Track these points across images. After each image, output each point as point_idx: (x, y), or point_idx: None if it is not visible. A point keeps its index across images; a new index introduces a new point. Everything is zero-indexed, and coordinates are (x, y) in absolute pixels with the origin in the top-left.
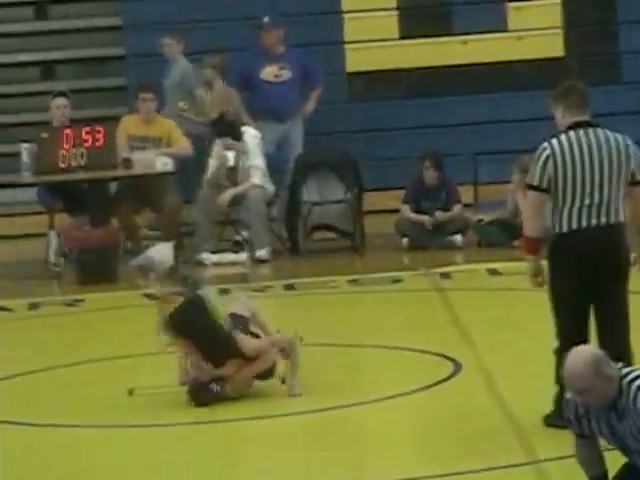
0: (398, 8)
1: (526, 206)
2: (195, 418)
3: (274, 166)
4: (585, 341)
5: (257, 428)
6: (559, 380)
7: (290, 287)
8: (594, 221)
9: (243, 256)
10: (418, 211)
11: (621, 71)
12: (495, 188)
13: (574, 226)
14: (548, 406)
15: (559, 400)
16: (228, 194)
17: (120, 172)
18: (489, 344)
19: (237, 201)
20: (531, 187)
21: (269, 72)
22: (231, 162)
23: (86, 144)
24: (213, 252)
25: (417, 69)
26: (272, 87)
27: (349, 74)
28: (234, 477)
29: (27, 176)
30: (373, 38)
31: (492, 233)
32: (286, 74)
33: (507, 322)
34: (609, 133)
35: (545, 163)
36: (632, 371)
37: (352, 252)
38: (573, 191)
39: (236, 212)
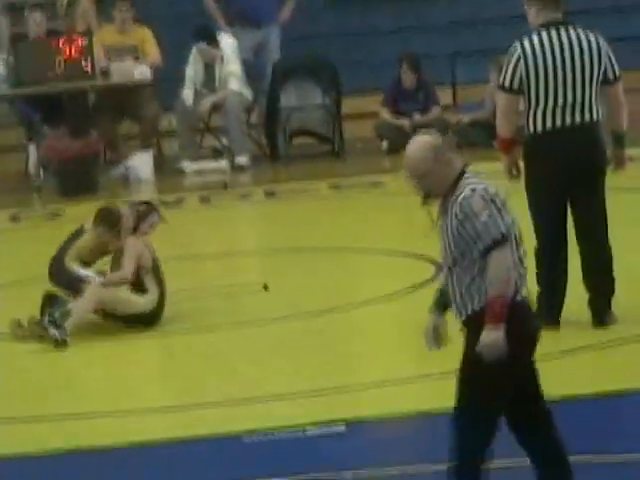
0: None
1: (498, 107)
2: (179, 327)
3: (252, 72)
4: (564, 240)
5: (244, 336)
6: (539, 280)
7: (271, 193)
8: (568, 120)
9: (223, 163)
10: (397, 114)
11: None
12: (473, 89)
13: (548, 126)
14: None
15: (539, 300)
16: (207, 101)
17: (98, 82)
18: None
19: (216, 108)
20: (502, 88)
21: None
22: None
23: (64, 55)
24: (193, 160)
25: None
26: None
27: None
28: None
29: (4, 88)
30: None
31: (472, 134)
32: None
33: None
34: (581, 32)
35: (516, 64)
36: (474, 178)
37: (332, 157)
38: (545, 91)
39: (215, 119)
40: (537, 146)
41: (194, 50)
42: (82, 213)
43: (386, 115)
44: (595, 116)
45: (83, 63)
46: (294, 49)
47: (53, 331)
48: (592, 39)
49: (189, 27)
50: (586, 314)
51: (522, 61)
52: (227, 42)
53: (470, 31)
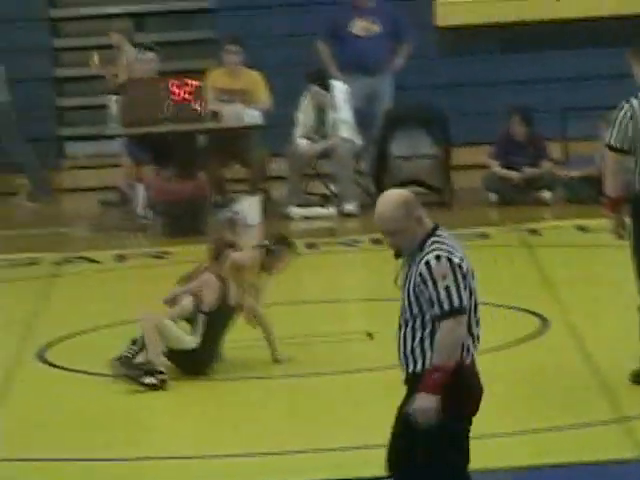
0: None
1: (606, 166)
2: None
3: (363, 120)
4: None
5: (349, 383)
6: None
7: (378, 241)
8: None
9: (331, 210)
10: (507, 167)
11: None
12: (584, 144)
13: None
14: (635, 363)
15: None
16: (317, 147)
17: (208, 125)
18: (577, 300)
19: (326, 155)
20: (610, 147)
21: (359, 26)
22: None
23: (175, 97)
24: (301, 206)
25: (507, 24)
26: (362, 41)
27: (439, 28)
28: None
29: (115, 128)
30: None
31: (581, 189)
32: (376, 28)
33: (595, 278)
34: None
35: (625, 124)
36: (443, 239)
37: (440, 207)
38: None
39: (324, 166)
40: None
41: (307, 94)
42: (188, 255)
43: (495, 167)
44: None
45: (193, 105)
46: (405, 98)
47: (149, 379)
48: None
49: (300, 73)
50: None
51: (631, 120)
52: (339, 88)
53: (582, 86)
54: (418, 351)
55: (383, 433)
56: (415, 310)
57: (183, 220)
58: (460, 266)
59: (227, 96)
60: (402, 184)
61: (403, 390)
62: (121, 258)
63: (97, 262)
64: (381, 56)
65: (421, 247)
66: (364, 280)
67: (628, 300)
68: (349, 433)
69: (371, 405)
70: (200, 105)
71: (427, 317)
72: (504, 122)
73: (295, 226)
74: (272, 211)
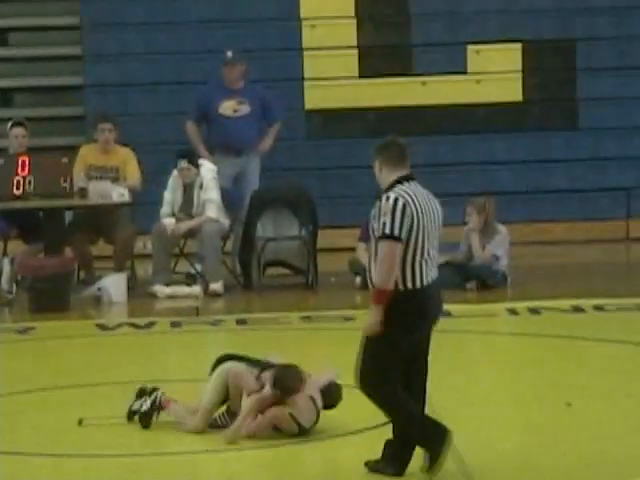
0: (359, 47)
1: (387, 258)
2: (145, 449)
3: (230, 200)
4: None
5: (213, 462)
6: None
7: (242, 322)
8: (433, 276)
9: (196, 289)
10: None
11: (578, 118)
12: (448, 230)
13: (423, 282)
14: (492, 446)
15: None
16: (183, 226)
17: (76, 201)
18: (437, 385)
19: (192, 234)
20: (390, 237)
21: (228, 106)
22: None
23: (43, 172)
24: (167, 284)
25: (376, 108)
26: (230, 121)
27: (307, 111)
28: None
29: None
30: (332, 76)
31: (445, 275)
32: (245, 109)
33: (457, 364)
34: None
35: (403, 212)
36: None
37: (305, 289)
38: (422, 243)
39: (191, 245)
40: (409, 302)
41: (174, 173)
42: (52, 331)
43: (362, 251)
44: None
45: (62, 181)
46: (273, 180)
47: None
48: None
49: (170, 152)
50: None
51: (409, 209)
52: (207, 168)
53: (448, 172)
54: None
55: None
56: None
57: (48, 295)
58: (404, 205)
59: (98, 173)
60: (267, 265)
61: None
62: None
63: None
64: (249, 136)
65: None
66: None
67: (488, 385)
68: None
69: None
70: (68, 181)
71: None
72: (370, 206)
73: (160, 304)
74: (138, 289)
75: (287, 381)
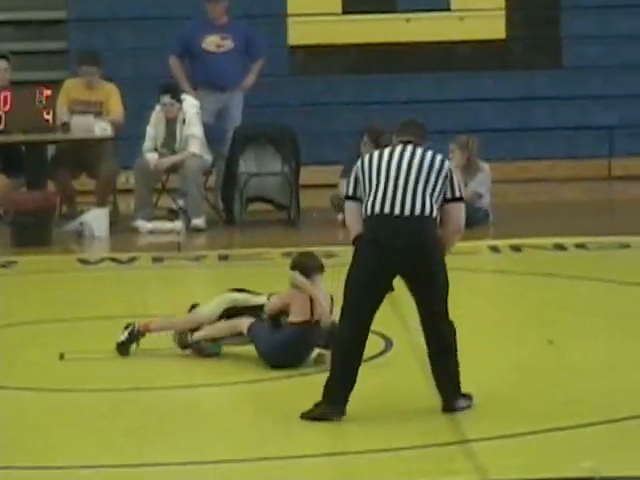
0: None
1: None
2: (127, 383)
3: (212, 136)
4: None
5: (193, 397)
6: None
7: (224, 257)
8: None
9: (179, 224)
10: None
11: (562, 56)
12: None
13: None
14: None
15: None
16: (166, 161)
17: (58, 136)
18: (418, 319)
19: (174, 169)
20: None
21: (211, 42)
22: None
23: (25, 105)
24: (149, 219)
25: (359, 45)
26: (213, 57)
27: (291, 47)
28: (166, 446)
29: None
30: (316, 12)
31: None
32: (228, 45)
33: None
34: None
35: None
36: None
37: (287, 225)
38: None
39: (173, 180)
40: None
41: (157, 108)
42: (34, 265)
43: (344, 187)
44: None
45: (45, 115)
46: (256, 116)
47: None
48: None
49: (153, 88)
50: None
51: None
52: (190, 104)
53: (431, 109)
54: None
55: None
56: None
57: (30, 230)
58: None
59: (82, 107)
60: (250, 200)
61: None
62: None
63: None
64: (232, 72)
65: None
66: (207, 295)
67: (471, 319)
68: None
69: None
70: (51, 115)
71: None
72: (353, 142)
73: (142, 239)
74: (120, 224)
75: (307, 260)
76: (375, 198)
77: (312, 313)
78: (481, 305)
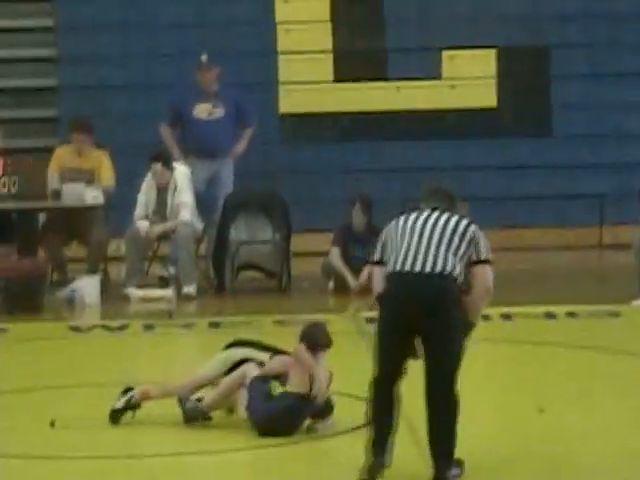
0: (333, 51)
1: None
2: (118, 451)
3: (203, 204)
4: None
5: (182, 465)
6: None
7: (215, 325)
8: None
9: (169, 292)
10: (346, 255)
11: (552, 124)
12: None
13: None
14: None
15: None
16: (157, 229)
17: (49, 203)
18: (411, 389)
19: (166, 237)
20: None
21: (202, 109)
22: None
23: (17, 174)
24: (140, 287)
25: (350, 113)
26: (204, 124)
27: (282, 115)
28: None
29: None
30: (307, 80)
31: None
32: (219, 112)
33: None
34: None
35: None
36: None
37: (278, 293)
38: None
39: (164, 248)
40: None
41: (148, 176)
42: (26, 332)
43: (335, 256)
44: None
45: (35, 183)
46: (247, 183)
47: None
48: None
49: (144, 155)
50: None
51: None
52: (181, 171)
53: (423, 177)
54: None
55: None
56: None
57: (21, 297)
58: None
59: (73, 175)
60: (241, 268)
61: None
62: None
63: None
64: (223, 140)
65: None
66: (198, 362)
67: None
68: None
69: None
70: (41, 183)
71: None
72: (343, 210)
73: (133, 307)
74: (111, 291)
75: (316, 334)
76: (397, 256)
77: (310, 388)
78: (469, 373)
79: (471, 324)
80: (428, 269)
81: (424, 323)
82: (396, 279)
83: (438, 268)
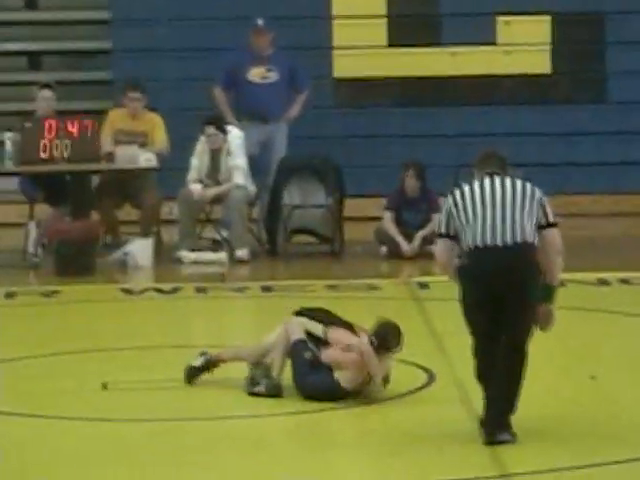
0: (387, 16)
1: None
2: (170, 414)
3: (257, 167)
4: None
5: (232, 428)
6: None
7: (267, 289)
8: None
9: (222, 255)
10: (399, 220)
11: (607, 91)
12: None
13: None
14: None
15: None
16: (210, 192)
17: (103, 165)
18: (462, 354)
19: (218, 200)
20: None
21: (256, 73)
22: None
23: (71, 136)
24: (192, 250)
25: (404, 78)
26: (258, 88)
27: (336, 79)
28: (208, 477)
29: (9, 165)
30: (361, 45)
31: None
32: (273, 76)
33: None
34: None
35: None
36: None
37: (331, 257)
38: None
39: (217, 211)
40: None
41: (202, 139)
42: (78, 294)
43: (388, 221)
44: None
45: (89, 145)
46: (300, 148)
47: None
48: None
49: (197, 119)
50: None
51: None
52: (235, 135)
53: (476, 143)
54: None
55: None
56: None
57: (74, 260)
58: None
59: (126, 137)
60: (293, 232)
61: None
62: (10, 295)
63: None
64: (276, 104)
65: None
66: (252, 326)
67: None
68: None
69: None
70: (96, 145)
71: None
72: (397, 175)
73: (186, 270)
74: (163, 254)
75: (388, 334)
76: (475, 230)
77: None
78: None
79: (553, 287)
80: (510, 241)
81: (511, 293)
82: (477, 255)
83: (518, 238)
